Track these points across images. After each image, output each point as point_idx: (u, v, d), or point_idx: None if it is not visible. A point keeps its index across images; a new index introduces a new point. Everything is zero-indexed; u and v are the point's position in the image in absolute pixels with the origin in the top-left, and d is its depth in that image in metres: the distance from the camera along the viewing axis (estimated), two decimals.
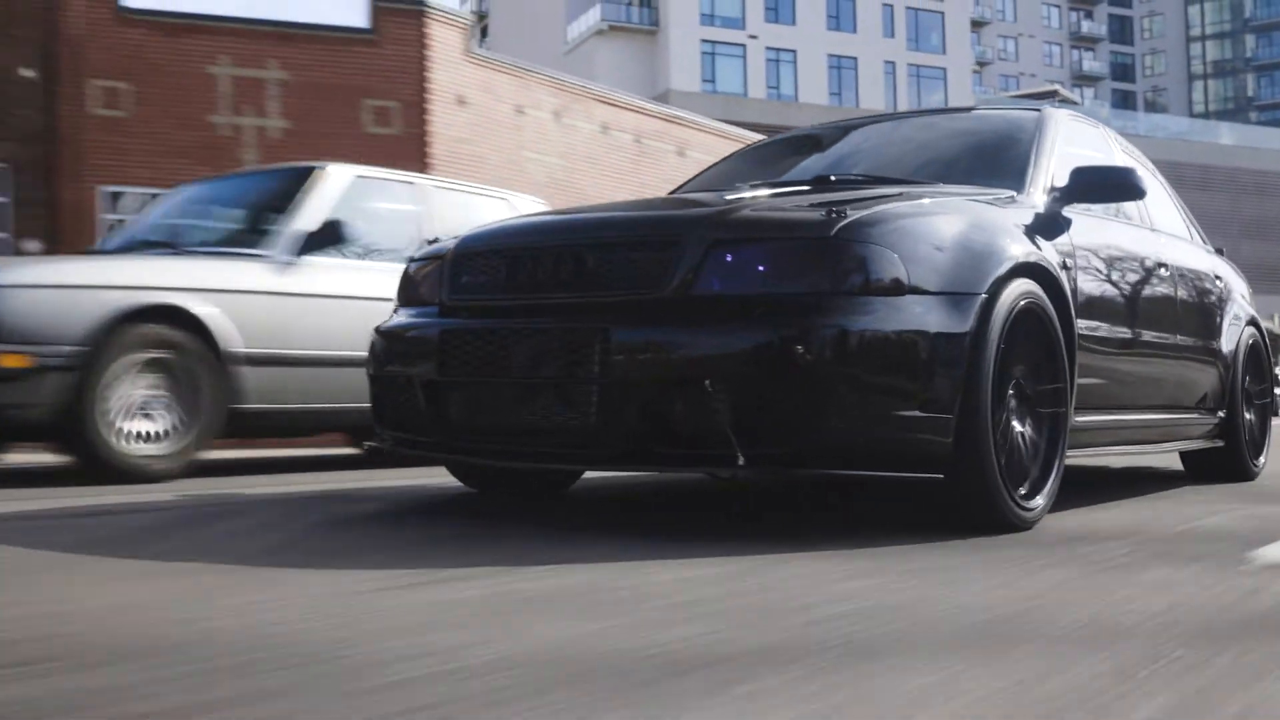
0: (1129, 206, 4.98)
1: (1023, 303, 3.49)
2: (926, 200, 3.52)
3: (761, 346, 3.09)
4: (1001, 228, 3.57)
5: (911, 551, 3.01)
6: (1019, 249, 3.56)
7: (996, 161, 4.38)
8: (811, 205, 3.34)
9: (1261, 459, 5.92)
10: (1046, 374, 3.71)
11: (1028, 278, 3.57)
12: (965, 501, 3.40)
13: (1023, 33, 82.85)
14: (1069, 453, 4.03)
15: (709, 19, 55.38)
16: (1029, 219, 3.87)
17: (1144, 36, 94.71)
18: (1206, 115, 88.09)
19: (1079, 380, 3.92)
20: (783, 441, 3.11)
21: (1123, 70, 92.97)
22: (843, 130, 5.33)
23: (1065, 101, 62.93)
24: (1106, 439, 4.35)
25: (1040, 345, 3.68)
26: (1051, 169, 4.29)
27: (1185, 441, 5.28)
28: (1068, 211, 4.18)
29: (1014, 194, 4.04)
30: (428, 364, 3.60)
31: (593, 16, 55.45)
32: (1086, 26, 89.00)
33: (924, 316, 3.19)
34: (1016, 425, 3.58)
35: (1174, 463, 6.32)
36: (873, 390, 3.14)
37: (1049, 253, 3.82)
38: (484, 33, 61.66)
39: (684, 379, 3.15)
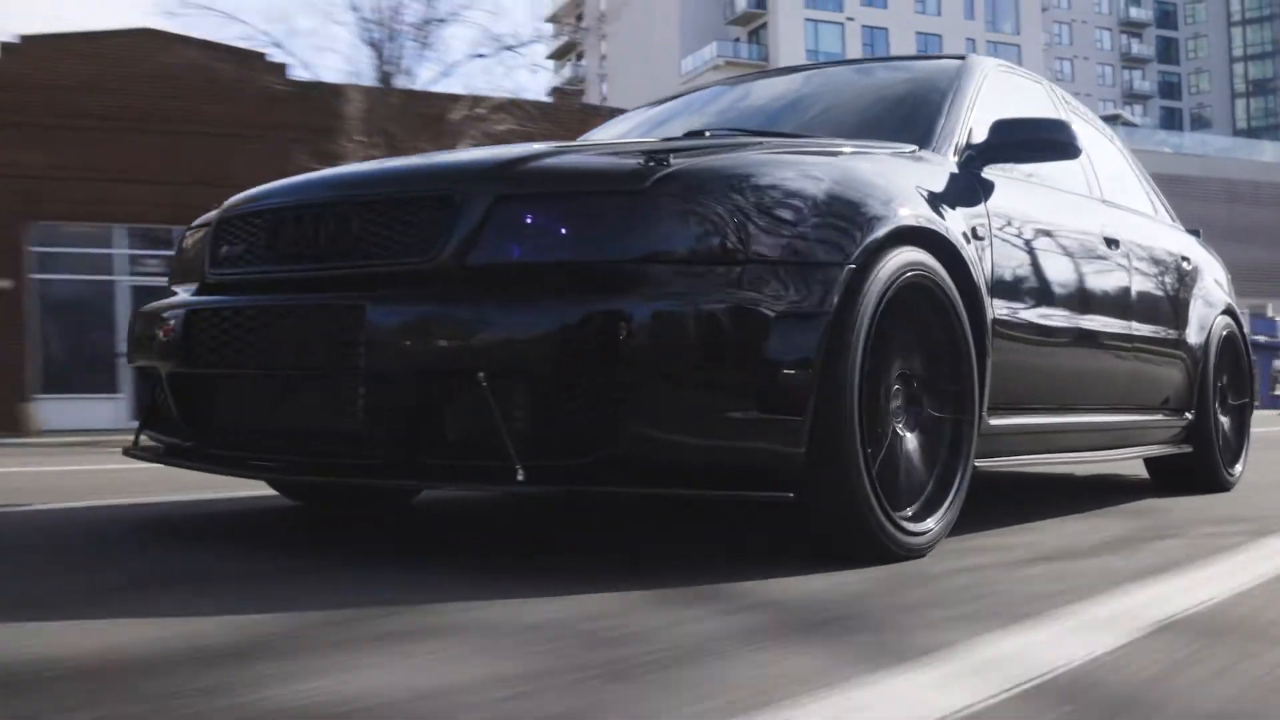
0: (1075, 177, 4.27)
1: (908, 275, 2.80)
2: (784, 154, 2.82)
3: (551, 329, 2.40)
4: (882, 186, 2.87)
5: (749, 589, 2.32)
6: (906, 211, 2.86)
7: (906, 114, 3.68)
8: (632, 154, 2.64)
9: (1238, 466, 5.20)
10: (947, 367, 3.02)
11: (916, 246, 2.88)
12: (827, 526, 2.71)
13: (1077, 55, 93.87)
14: (994, 463, 3.34)
15: (813, 54, 63.79)
16: (928, 178, 3.17)
17: (1189, 57, 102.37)
18: (1249, 131, 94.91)
19: (996, 375, 3.22)
20: (576, 451, 2.42)
21: (1169, 89, 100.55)
22: (748, 82, 4.63)
23: (1126, 124, 69.75)
24: (1036, 446, 3.64)
25: (937, 331, 2.99)
26: (968, 123, 3.59)
27: (1145, 448, 4.57)
28: (988, 173, 3.49)
29: (915, 149, 3.34)
30: (175, 355, 2.92)
31: (708, 52, 66.67)
32: (1136, 48, 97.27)
33: (766, 293, 2.50)
34: (901, 430, 2.89)
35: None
36: (696, 386, 2.45)
37: (954, 220, 3.12)
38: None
39: (452, 371, 2.46)
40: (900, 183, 2.97)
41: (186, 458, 2.92)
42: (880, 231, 2.72)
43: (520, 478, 2.38)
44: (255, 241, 2.89)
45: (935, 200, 3.08)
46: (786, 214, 2.59)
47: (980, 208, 3.33)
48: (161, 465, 3.05)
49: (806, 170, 2.72)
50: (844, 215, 2.69)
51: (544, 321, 2.41)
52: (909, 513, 2.85)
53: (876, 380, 2.77)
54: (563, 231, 2.49)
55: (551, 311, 2.42)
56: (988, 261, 3.28)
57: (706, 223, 2.48)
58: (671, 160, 2.55)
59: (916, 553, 2.80)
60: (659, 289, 2.42)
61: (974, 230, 3.23)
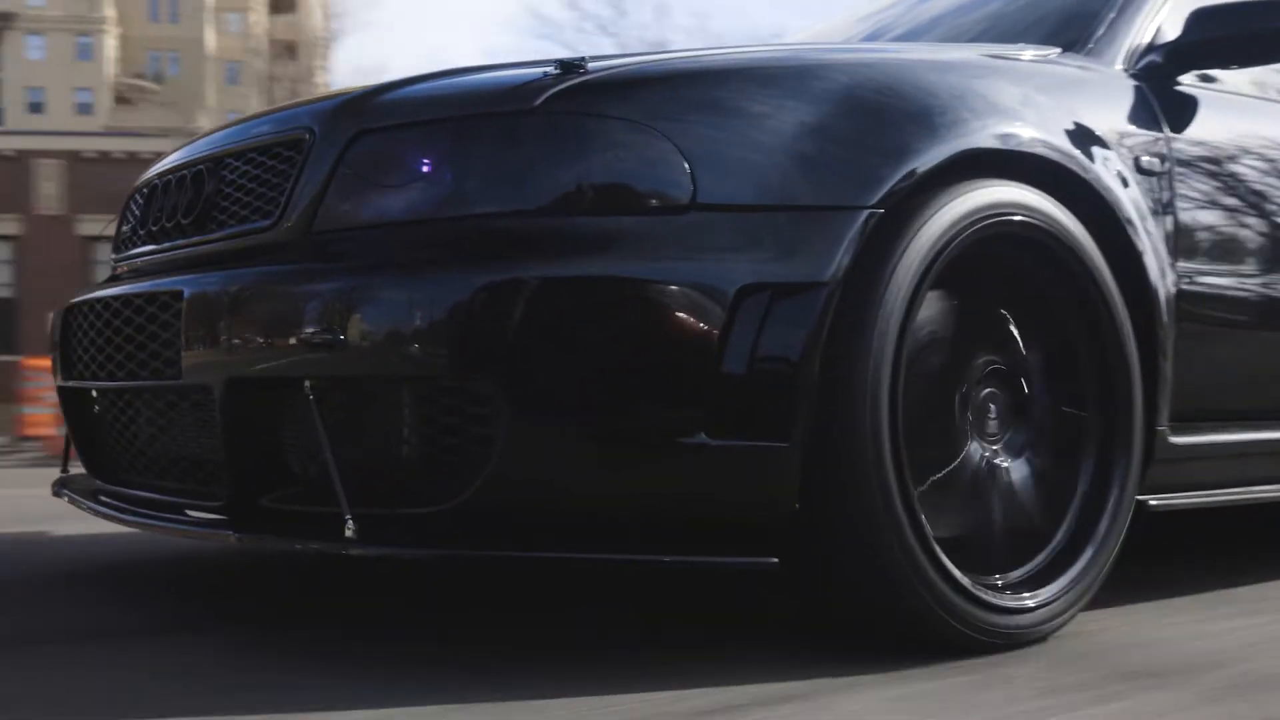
0: None
1: (989, 223, 1.86)
2: (769, 55, 1.93)
3: (400, 315, 1.64)
4: (948, 96, 1.90)
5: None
6: (992, 130, 1.91)
7: (1067, 11, 2.65)
8: (545, 64, 1.83)
9: None
10: (1086, 360, 2.03)
11: (1014, 182, 1.92)
12: (851, 605, 1.81)
13: None
14: (1182, 500, 2.30)
15: None
16: (1058, 88, 2.16)
17: None
18: None
19: (1184, 372, 2.19)
20: (436, 494, 1.65)
21: None
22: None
23: None
24: (1248, 473, 2.52)
25: (1062, 308, 2.02)
26: (1154, 17, 2.52)
27: None
28: (1184, 86, 2.43)
29: (1055, 52, 2.34)
30: (58, 361, 2.35)
31: None
32: None
33: (724, 255, 1.65)
34: (994, 455, 1.94)
35: None
36: (616, 400, 1.63)
37: (1102, 150, 2.12)
38: None
39: (272, 380, 1.74)
40: (991, 93, 1.99)
41: (75, 496, 2.32)
42: (931, 158, 1.79)
43: (350, 531, 1.62)
44: (135, 218, 2.29)
45: (1065, 120, 2.08)
46: (761, 137, 1.72)
47: (1157, 134, 2.29)
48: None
49: (803, 78, 1.82)
50: (864, 137, 1.78)
51: (386, 304, 1.66)
52: (1011, 578, 1.90)
53: (938, 382, 1.85)
54: (426, 173, 1.72)
55: (396, 289, 1.66)
56: (1165, 211, 2.24)
57: (627, 152, 1.66)
58: (588, 68, 1.74)
59: (1021, 639, 1.85)
60: (556, 253, 1.62)
61: (1141, 164, 2.21)
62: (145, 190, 2.27)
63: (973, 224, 1.83)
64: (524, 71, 1.80)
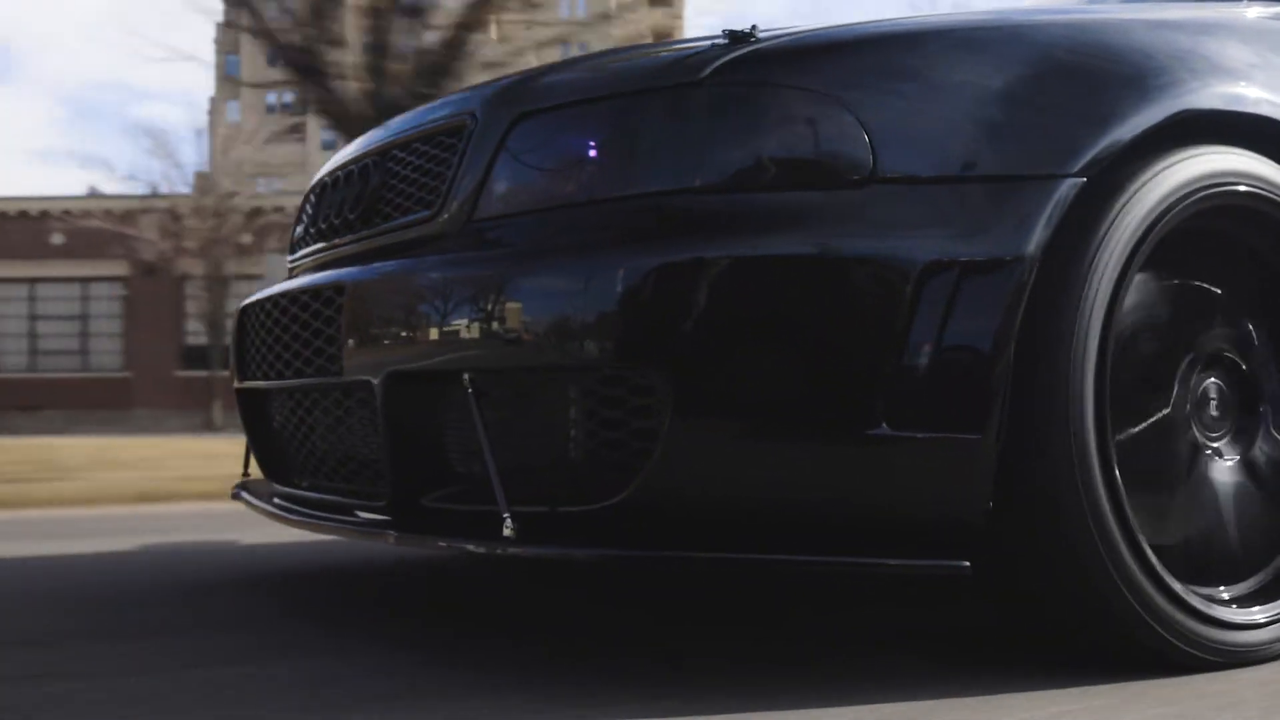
0: None
1: (1205, 195, 1.67)
2: (957, 20, 1.77)
3: (555, 302, 1.56)
4: (1165, 48, 1.72)
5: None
6: (1204, 85, 1.71)
7: None
8: (713, 40, 1.72)
9: None
10: None
11: (1235, 147, 1.72)
12: (1052, 613, 1.64)
13: None
14: None
15: None
16: None
17: None
18: None
19: None
20: (597, 492, 1.55)
21: None
22: None
23: None
24: None
25: None
26: None
27: None
28: None
29: None
30: (234, 363, 2.36)
31: None
32: None
33: (908, 230, 1.51)
34: (1217, 452, 1.74)
35: None
36: (788, 387, 1.51)
37: None
38: None
39: (431, 374, 1.68)
40: (1215, 52, 1.80)
41: (255, 500, 2.31)
42: (1142, 121, 1.61)
43: (509, 531, 1.55)
44: (308, 216, 2.28)
45: None
46: (949, 104, 1.57)
47: None
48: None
49: (1000, 42, 1.67)
50: (1067, 101, 1.62)
51: (543, 292, 1.58)
52: (1239, 590, 1.70)
53: (1151, 369, 1.68)
54: (585, 154, 1.64)
55: (552, 275, 1.58)
56: None
57: (797, 123, 1.54)
58: (757, 38, 1.63)
59: (1247, 658, 1.65)
60: (722, 234, 1.51)
61: None
62: (318, 188, 2.26)
63: (1191, 195, 1.65)
64: (693, 45, 1.69)
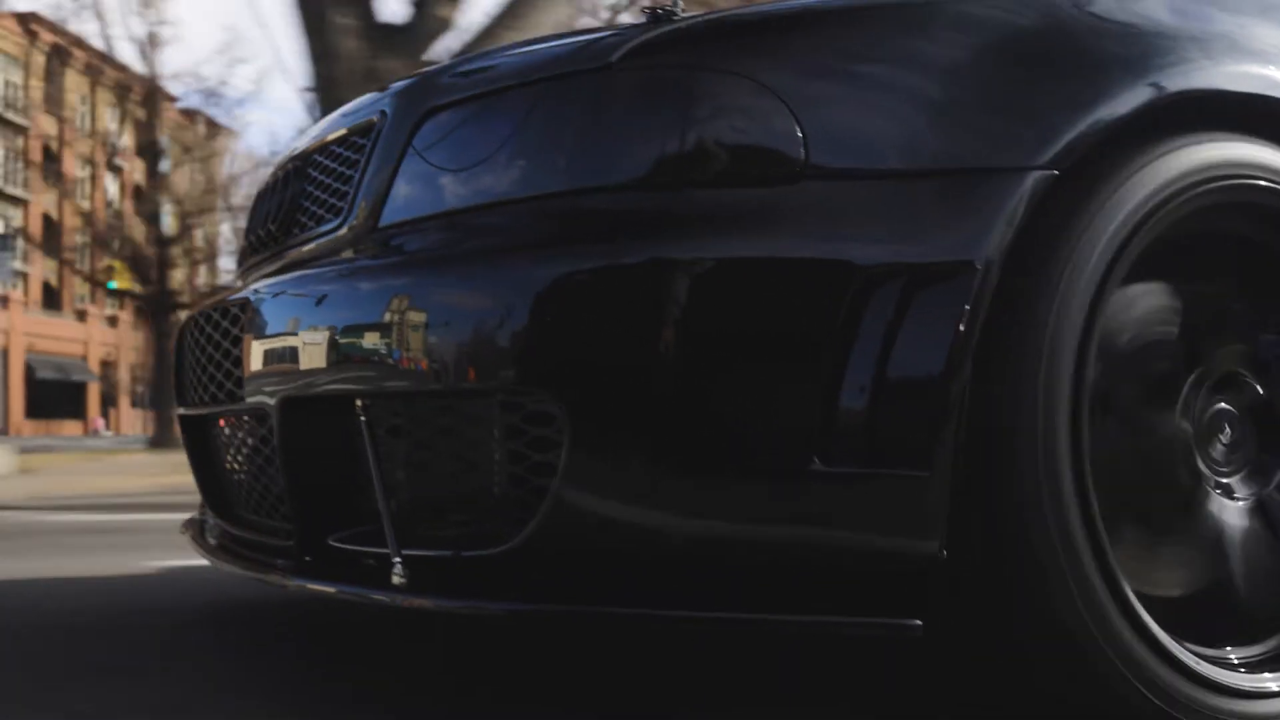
0: None
1: (1211, 188, 1.43)
2: None
3: (444, 319, 1.38)
4: (1150, 30, 1.48)
5: None
6: (1213, 63, 1.47)
7: None
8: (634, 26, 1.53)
9: None
10: None
11: (1252, 136, 1.49)
12: (1017, 676, 1.42)
13: None
14: None
15: None
16: None
17: None
18: None
19: None
20: (503, 533, 1.36)
21: None
22: None
23: None
24: None
25: None
26: None
27: None
28: None
29: None
30: (175, 386, 2.21)
31: None
32: None
33: (843, 233, 1.31)
34: (1228, 492, 1.50)
35: None
36: (704, 415, 1.30)
37: None
38: None
39: (324, 399, 1.51)
40: (1228, 26, 1.56)
41: (200, 534, 2.14)
42: (1126, 102, 1.39)
43: (398, 577, 1.36)
44: (247, 227, 2.14)
45: None
46: (890, 90, 1.36)
47: None
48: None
49: (944, 11, 1.45)
50: (1035, 82, 1.39)
51: (434, 306, 1.40)
52: (1249, 654, 1.46)
53: (1145, 393, 1.45)
54: (488, 151, 1.45)
55: (454, 288, 1.40)
56: None
57: (721, 112, 1.34)
58: (675, 20, 1.44)
59: None
60: (623, 237, 1.32)
61: None
62: (257, 196, 2.11)
63: (1192, 188, 1.41)
64: (616, 28, 1.51)
